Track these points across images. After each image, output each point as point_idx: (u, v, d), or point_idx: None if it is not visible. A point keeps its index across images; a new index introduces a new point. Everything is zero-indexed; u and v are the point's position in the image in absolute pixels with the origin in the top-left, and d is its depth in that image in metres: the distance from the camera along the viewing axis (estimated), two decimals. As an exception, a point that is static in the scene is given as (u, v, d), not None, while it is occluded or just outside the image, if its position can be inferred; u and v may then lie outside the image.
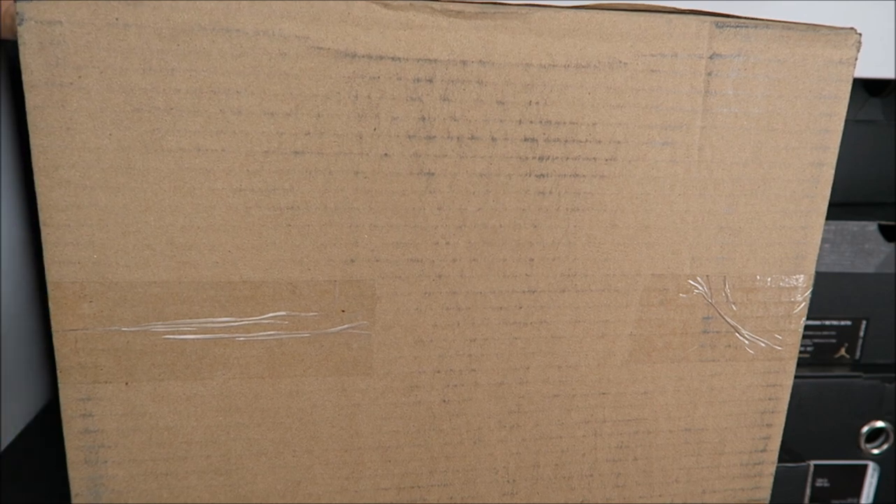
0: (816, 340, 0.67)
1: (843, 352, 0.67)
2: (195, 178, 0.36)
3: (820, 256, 0.64)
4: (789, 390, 0.45)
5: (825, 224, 0.62)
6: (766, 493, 0.47)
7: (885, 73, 0.60)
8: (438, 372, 0.41)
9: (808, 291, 0.43)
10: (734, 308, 0.43)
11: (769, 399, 0.45)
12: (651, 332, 0.42)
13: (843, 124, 0.40)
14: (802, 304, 0.43)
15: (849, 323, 0.67)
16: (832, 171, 0.41)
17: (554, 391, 0.42)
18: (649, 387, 0.43)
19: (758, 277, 0.42)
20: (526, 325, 0.41)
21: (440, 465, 0.43)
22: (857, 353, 0.68)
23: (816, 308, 0.66)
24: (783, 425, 0.46)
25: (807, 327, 0.67)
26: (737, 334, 0.43)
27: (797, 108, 0.40)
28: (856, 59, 0.39)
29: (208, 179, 0.36)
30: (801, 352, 0.67)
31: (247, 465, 0.40)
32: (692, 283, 0.42)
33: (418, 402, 0.41)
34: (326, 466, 0.41)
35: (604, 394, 0.43)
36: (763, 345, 0.44)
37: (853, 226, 0.64)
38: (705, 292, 0.42)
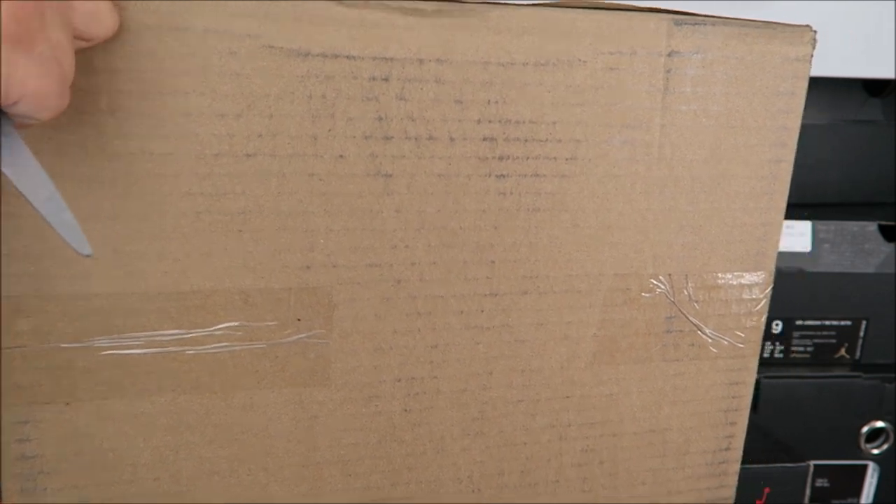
0: (816, 340, 0.67)
1: (843, 352, 0.67)
2: (142, 183, 0.34)
3: (820, 256, 0.64)
4: (752, 388, 0.45)
5: (825, 224, 0.63)
6: (730, 492, 0.47)
7: (885, 73, 0.60)
8: (399, 380, 0.40)
9: (769, 288, 0.43)
10: (696, 306, 0.42)
11: (732, 397, 0.45)
12: (615, 333, 0.42)
13: (800, 121, 0.40)
14: (763, 301, 0.43)
15: (849, 323, 0.67)
16: (790, 168, 0.41)
17: (518, 396, 0.41)
18: (614, 388, 0.43)
19: (719, 275, 0.42)
20: (488, 329, 0.40)
21: (402, 477, 0.41)
22: (857, 353, 0.68)
23: (816, 308, 0.65)
24: (746, 423, 0.46)
25: (807, 327, 0.66)
26: (699, 333, 0.43)
27: (755, 106, 0.40)
28: (811, 55, 0.39)
29: (156, 184, 0.34)
30: (800, 352, 0.67)
31: (198, 486, 0.38)
32: (654, 282, 0.41)
33: (378, 413, 0.40)
34: (283, 483, 0.39)
35: (568, 397, 0.42)
36: (726, 343, 0.44)
37: (853, 226, 0.64)
38: (668, 291, 0.42)
